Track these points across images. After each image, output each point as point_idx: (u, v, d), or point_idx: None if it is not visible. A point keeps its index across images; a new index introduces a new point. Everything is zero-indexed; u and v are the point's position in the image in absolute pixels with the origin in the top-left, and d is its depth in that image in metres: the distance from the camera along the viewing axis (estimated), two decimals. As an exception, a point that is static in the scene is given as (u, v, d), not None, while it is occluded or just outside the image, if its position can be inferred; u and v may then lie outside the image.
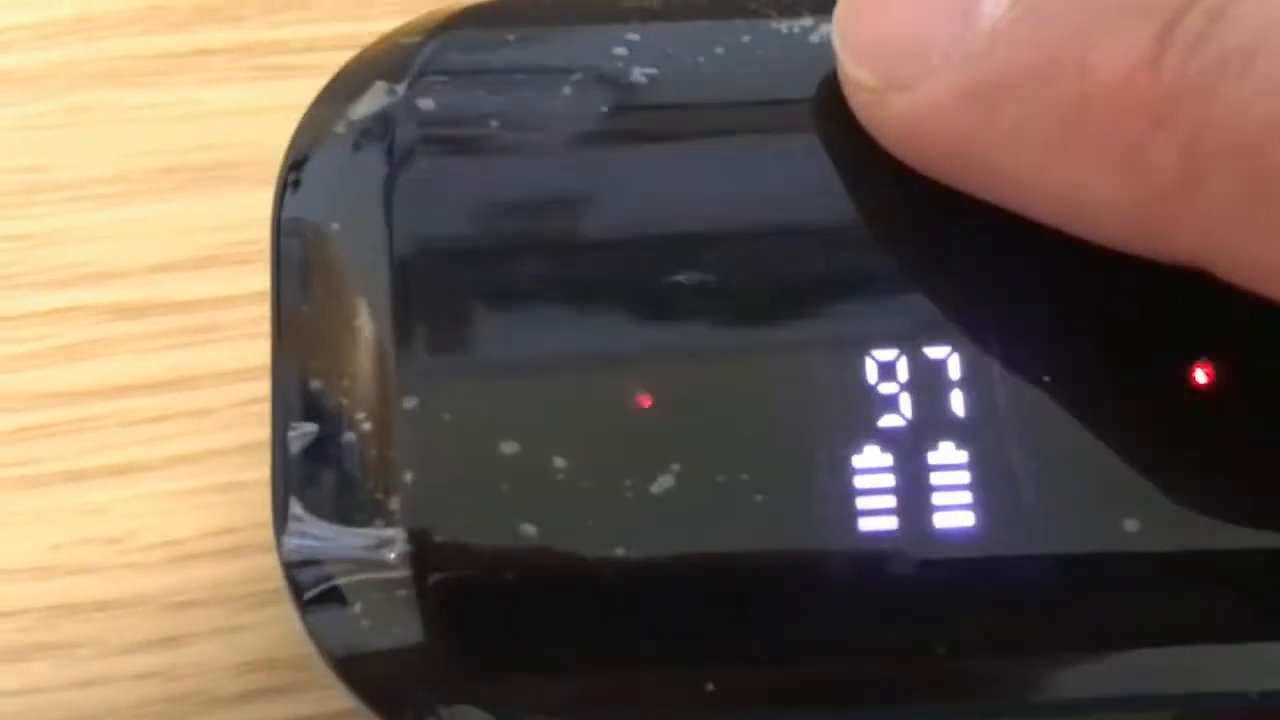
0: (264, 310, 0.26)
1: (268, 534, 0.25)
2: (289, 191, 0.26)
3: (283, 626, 0.30)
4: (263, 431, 0.25)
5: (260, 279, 0.26)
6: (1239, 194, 0.22)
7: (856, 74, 0.25)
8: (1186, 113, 0.22)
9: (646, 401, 0.25)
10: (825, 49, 0.27)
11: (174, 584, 0.31)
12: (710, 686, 0.24)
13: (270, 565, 0.26)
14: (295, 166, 0.26)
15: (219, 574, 0.31)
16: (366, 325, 0.25)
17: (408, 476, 0.24)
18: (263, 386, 0.25)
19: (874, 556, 0.25)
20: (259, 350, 0.26)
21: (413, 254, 0.25)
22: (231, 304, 0.32)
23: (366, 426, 0.25)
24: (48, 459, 0.32)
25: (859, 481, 0.25)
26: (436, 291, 0.25)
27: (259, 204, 0.27)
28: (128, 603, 0.31)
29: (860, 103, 0.25)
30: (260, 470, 0.25)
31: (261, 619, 0.31)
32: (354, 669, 0.25)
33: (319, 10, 0.33)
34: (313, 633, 0.25)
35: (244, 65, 0.34)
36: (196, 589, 0.31)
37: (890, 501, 0.25)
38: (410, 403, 0.25)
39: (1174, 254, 0.23)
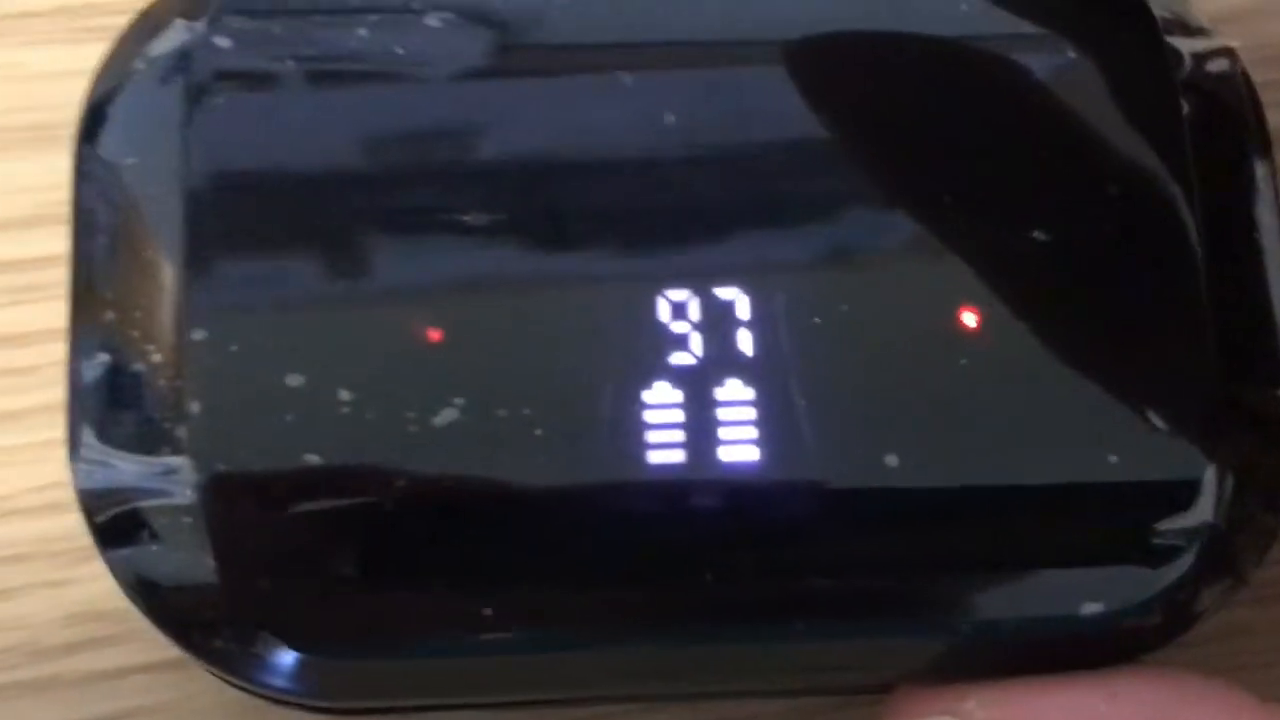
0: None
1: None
2: (88, 127, 0.27)
3: (108, 580, 0.30)
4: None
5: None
6: None
7: None
8: None
9: (432, 336, 0.25)
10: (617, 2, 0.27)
11: (0, 538, 0.31)
12: (488, 612, 0.25)
13: (95, 520, 0.26)
14: (95, 102, 0.27)
15: (45, 529, 0.31)
16: (159, 258, 0.26)
17: (195, 406, 0.25)
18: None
19: (647, 488, 0.26)
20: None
21: (205, 189, 0.26)
22: (56, 263, 0.32)
23: (156, 357, 0.25)
24: (-127, 416, 0.32)
25: (636, 416, 0.26)
26: (227, 226, 0.26)
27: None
28: (-46, 557, 0.31)
29: None
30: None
31: (87, 573, 0.31)
32: (145, 593, 0.25)
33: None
34: (106, 558, 0.25)
35: (66, 27, 0.34)
36: (23, 543, 0.31)
37: (668, 436, 0.26)
38: (199, 334, 0.25)
39: None
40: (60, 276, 0.31)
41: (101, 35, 0.32)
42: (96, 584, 0.31)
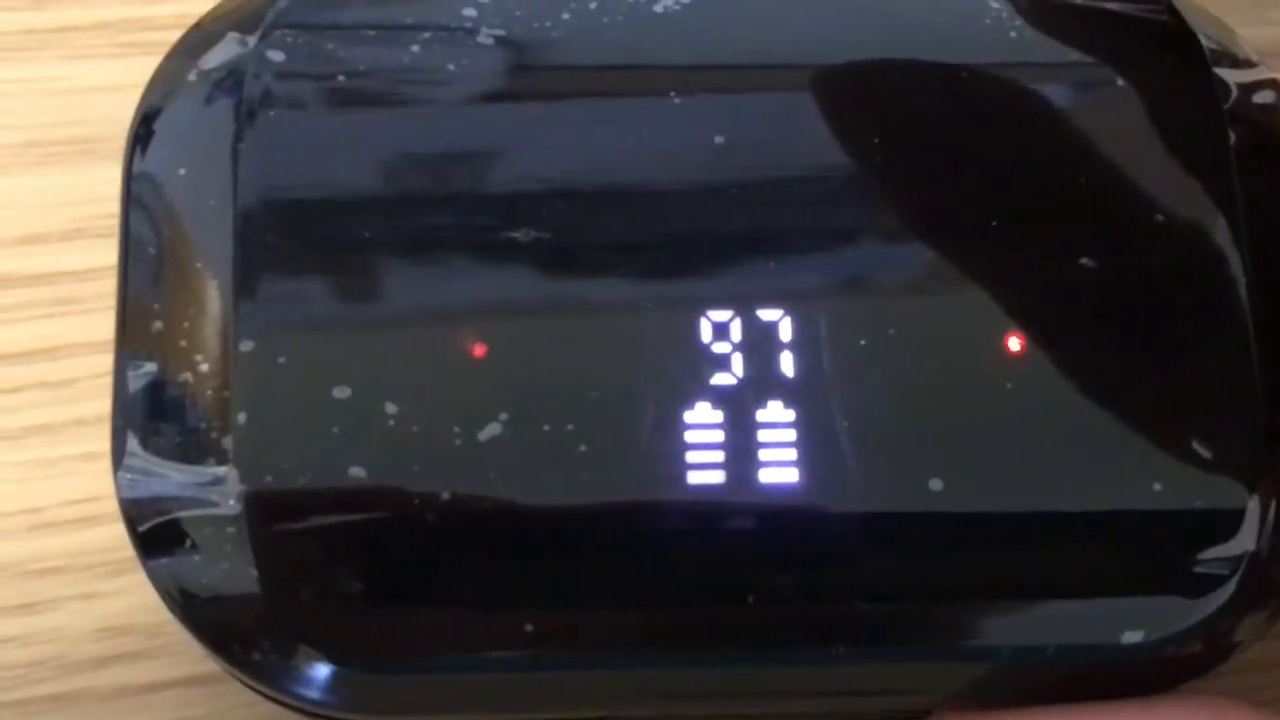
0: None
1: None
2: (140, 137, 0.27)
3: (140, 593, 0.30)
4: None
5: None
6: None
7: None
8: None
9: (478, 352, 0.25)
10: (668, 18, 0.27)
11: (34, 551, 0.31)
12: (529, 627, 0.25)
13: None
14: (147, 113, 0.27)
15: (78, 542, 0.31)
16: (208, 270, 0.26)
17: (241, 417, 0.25)
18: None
19: (691, 508, 0.26)
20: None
21: (256, 201, 0.26)
22: (95, 276, 0.32)
23: (204, 368, 0.25)
24: (-92, 427, 0.32)
25: (679, 435, 0.26)
26: (277, 239, 0.26)
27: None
28: (-13, 568, 0.31)
29: None
30: (120, 442, 0.25)
31: (119, 586, 0.31)
32: (184, 603, 0.25)
33: (184, -14, 0.34)
34: (147, 568, 0.25)
35: (108, 42, 0.34)
36: (56, 556, 0.31)
37: (712, 456, 0.26)
38: (247, 346, 0.25)
39: None
40: (98, 290, 0.32)
41: (143, 50, 0.33)
42: (129, 598, 0.31)
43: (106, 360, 0.29)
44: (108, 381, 0.27)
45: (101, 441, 0.27)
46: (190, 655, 0.31)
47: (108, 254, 0.31)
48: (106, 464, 0.26)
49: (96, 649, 0.31)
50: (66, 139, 0.33)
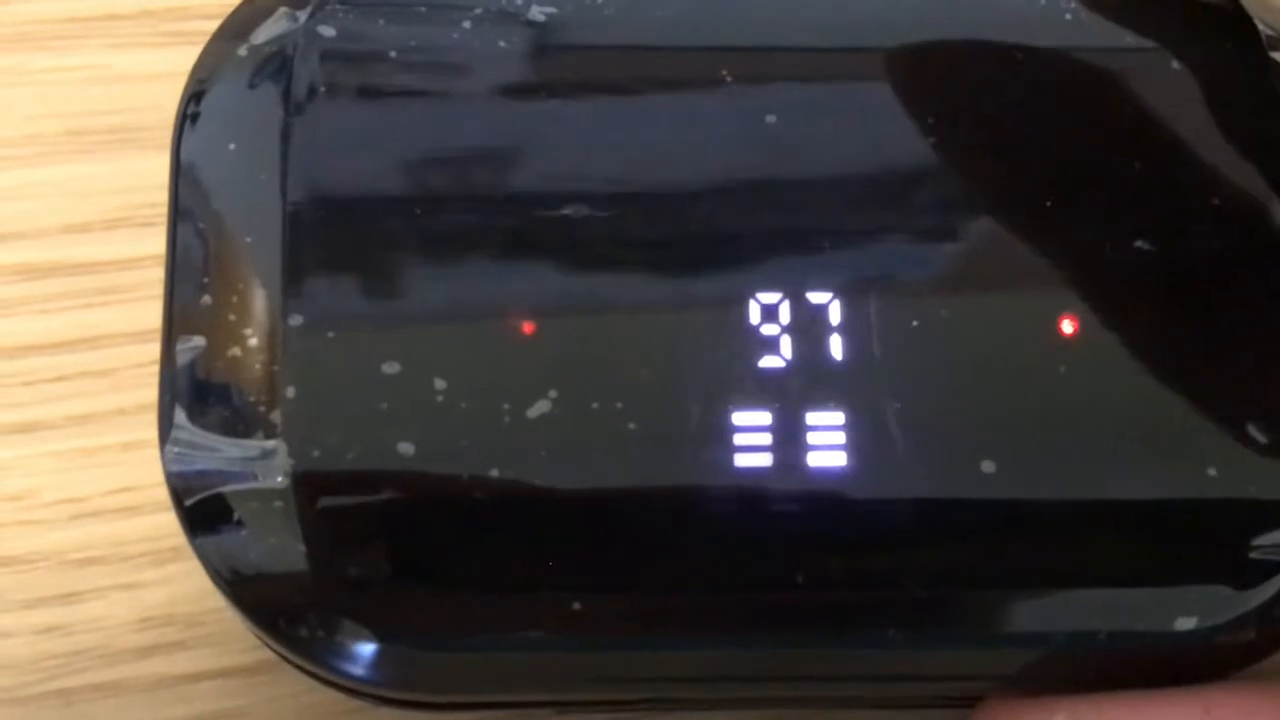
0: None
1: (167, 492, 0.26)
2: (190, 112, 0.27)
3: (182, 583, 0.30)
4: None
5: (165, 241, 0.27)
6: None
7: None
8: None
9: (527, 329, 0.25)
10: (719, 1, 0.27)
11: (75, 540, 0.31)
12: (577, 606, 0.25)
13: (170, 523, 0.26)
14: (197, 88, 0.27)
15: (120, 531, 0.31)
16: (258, 245, 0.25)
17: (290, 391, 0.25)
18: (165, 347, 0.26)
19: (740, 489, 0.25)
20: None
21: (306, 177, 0.26)
22: (137, 265, 0.32)
23: (253, 342, 0.25)
24: (-49, 417, 0.32)
25: (728, 417, 0.25)
26: (327, 214, 0.26)
27: (165, 167, 0.27)
28: (29, 558, 0.31)
29: None
30: (161, 431, 0.25)
31: (161, 576, 0.31)
32: (231, 577, 0.25)
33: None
34: (193, 541, 0.25)
35: (151, 30, 0.34)
36: (97, 545, 0.31)
37: (762, 439, 0.26)
38: (296, 320, 0.25)
39: None
40: (141, 279, 0.32)
41: (187, 39, 0.33)
42: (171, 587, 0.31)
43: (148, 350, 0.30)
44: (149, 371, 0.27)
45: (143, 431, 0.27)
46: (232, 646, 0.31)
47: (151, 243, 0.31)
48: (148, 453, 0.26)
49: (138, 639, 0.31)
50: (109, 128, 0.33)
